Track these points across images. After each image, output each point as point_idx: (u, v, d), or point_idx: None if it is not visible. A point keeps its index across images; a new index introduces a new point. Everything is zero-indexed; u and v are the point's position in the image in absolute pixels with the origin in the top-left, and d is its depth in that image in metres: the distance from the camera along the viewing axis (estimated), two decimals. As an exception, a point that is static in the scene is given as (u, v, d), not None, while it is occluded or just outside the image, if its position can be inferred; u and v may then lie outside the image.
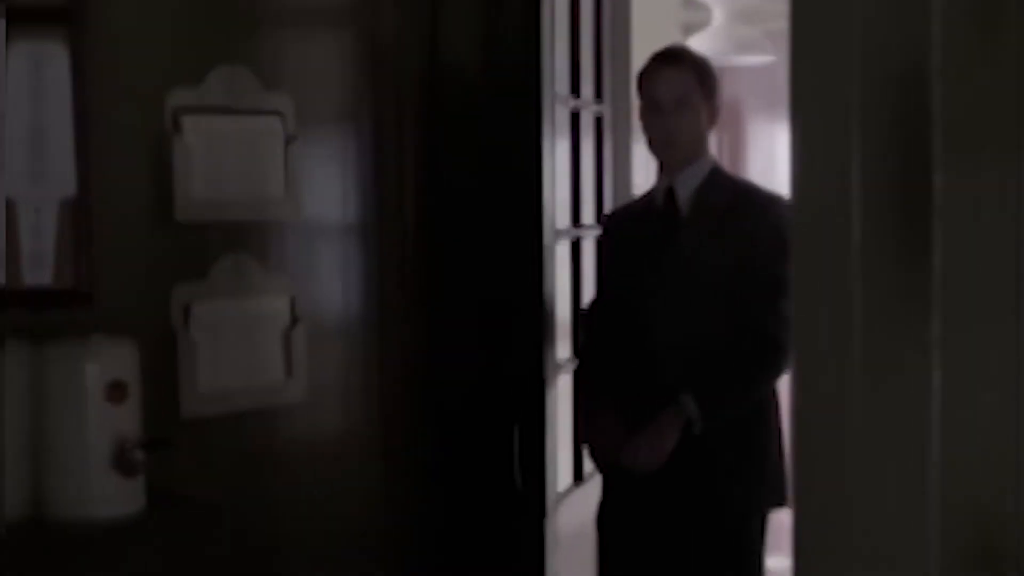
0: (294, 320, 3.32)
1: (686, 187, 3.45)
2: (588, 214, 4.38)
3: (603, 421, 3.47)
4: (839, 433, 0.98)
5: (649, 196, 3.61)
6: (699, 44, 5.26)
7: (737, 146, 6.31)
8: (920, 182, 0.94)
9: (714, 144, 6.47)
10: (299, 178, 3.31)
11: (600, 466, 3.59)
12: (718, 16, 5.35)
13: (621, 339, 3.52)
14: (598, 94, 4.39)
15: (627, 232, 3.59)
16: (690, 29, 5.88)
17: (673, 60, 3.48)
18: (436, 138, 3.66)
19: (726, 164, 6.36)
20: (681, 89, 3.39)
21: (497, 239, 3.72)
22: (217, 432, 3.19)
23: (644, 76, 3.49)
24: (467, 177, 3.70)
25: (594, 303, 3.77)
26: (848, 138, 0.98)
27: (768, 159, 6.12)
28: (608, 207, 4.48)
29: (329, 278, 3.44)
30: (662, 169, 3.54)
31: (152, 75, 3.08)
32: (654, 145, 3.48)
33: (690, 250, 3.39)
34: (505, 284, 3.73)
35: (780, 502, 3.41)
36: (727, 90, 6.55)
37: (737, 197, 3.45)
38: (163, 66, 3.10)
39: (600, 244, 3.86)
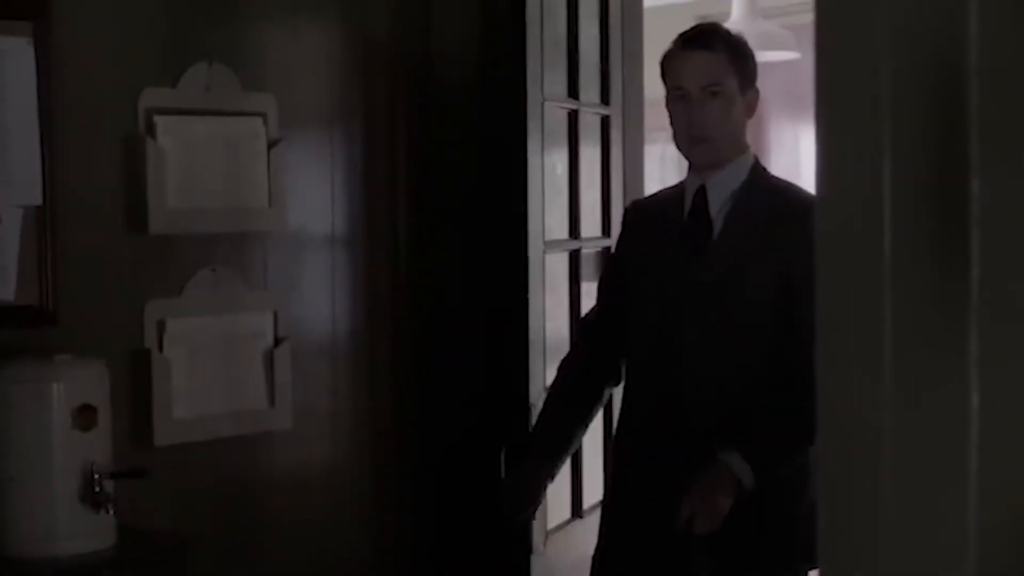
0: (277, 338, 3.33)
1: (720, 192, 3.11)
2: (594, 224, 4.37)
3: (533, 467, 3.18)
4: (870, 457, 0.98)
5: (676, 195, 3.23)
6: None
7: (759, 148, 6.33)
8: (956, 187, 0.94)
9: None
10: (283, 184, 3.32)
11: (506, 519, 3.23)
12: (738, 9, 5.38)
13: (631, 367, 3.23)
14: (604, 96, 4.39)
15: (648, 237, 3.24)
16: (707, 21, 5.90)
17: (703, 40, 3.12)
18: (429, 143, 3.67)
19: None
20: (712, 74, 3.05)
21: (491, 250, 3.73)
22: (193, 461, 3.19)
23: (668, 59, 3.13)
24: (461, 185, 3.71)
25: (596, 314, 3.42)
26: (878, 140, 0.98)
27: (792, 161, 6.14)
28: (616, 214, 4.45)
29: (315, 293, 3.45)
30: (690, 167, 3.19)
31: (123, 73, 3.09)
32: (681, 141, 3.13)
33: (724, 270, 3.06)
34: (495, 298, 3.73)
35: (813, 562, 3.03)
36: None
37: (780, 204, 3.10)
38: (135, 64, 3.11)
39: (619, 240, 3.46)
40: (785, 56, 5.36)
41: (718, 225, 3.09)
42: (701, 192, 3.12)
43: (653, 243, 3.20)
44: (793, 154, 6.15)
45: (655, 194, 3.55)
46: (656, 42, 3.53)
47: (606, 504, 3.35)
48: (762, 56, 5.48)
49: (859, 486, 0.98)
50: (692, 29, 3.21)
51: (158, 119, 3.12)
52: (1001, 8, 0.92)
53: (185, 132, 3.17)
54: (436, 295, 3.67)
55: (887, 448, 0.96)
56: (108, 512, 2.72)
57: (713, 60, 3.05)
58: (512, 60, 3.70)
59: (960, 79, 0.93)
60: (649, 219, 3.28)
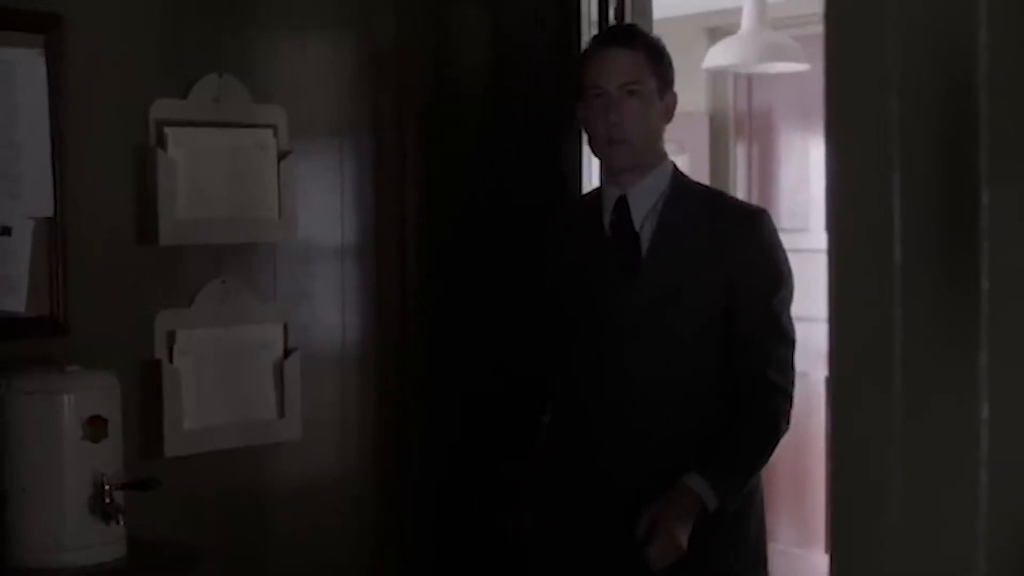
0: (287, 350, 3.33)
1: (642, 204, 2.99)
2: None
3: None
4: (879, 470, 0.98)
5: (594, 205, 3.09)
6: (726, 51, 5.27)
7: (768, 159, 6.32)
8: (966, 199, 0.94)
9: (743, 156, 6.50)
10: (292, 196, 3.32)
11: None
12: (747, 21, 5.37)
13: (564, 386, 3.14)
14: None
15: (568, 249, 3.12)
16: (716, 34, 5.90)
17: (623, 39, 3.02)
18: (437, 154, 3.67)
19: (756, 178, 6.38)
20: (632, 72, 2.94)
21: (504, 261, 3.73)
22: (203, 472, 3.19)
23: (586, 59, 3.02)
24: (470, 195, 3.71)
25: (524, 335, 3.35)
26: (888, 152, 0.98)
27: (801, 173, 6.13)
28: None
29: (325, 304, 3.45)
30: (607, 176, 3.07)
31: (134, 85, 3.10)
32: (598, 143, 2.99)
33: (662, 283, 2.95)
34: (503, 309, 3.73)
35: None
36: (757, 99, 6.57)
37: (713, 212, 2.99)
38: (146, 75, 3.12)
39: (539, 251, 3.28)
40: (794, 67, 5.36)
41: (646, 240, 2.98)
42: (622, 202, 3.01)
43: (576, 257, 3.08)
44: (802, 165, 6.14)
45: (572, 203, 3.45)
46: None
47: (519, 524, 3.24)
48: (772, 67, 5.48)
49: (869, 496, 0.98)
50: (610, 28, 3.15)
51: (168, 130, 3.12)
52: (1010, 21, 0.92)
53: (195, 143, 3.17)
54: (445, 306, 3.67)
55: (897, 458, 0.96)
56: (118, 523, 2.73)
57: (632, 58, 2.96)
58: (523, 70, 3.71)
59: (969, 91, 0.93)
60: (568, 230, 3.17)
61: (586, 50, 3.08)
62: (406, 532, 3.61)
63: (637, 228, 2.98)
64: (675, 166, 3.06)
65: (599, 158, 3.07)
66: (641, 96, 2.94)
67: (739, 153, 6.31)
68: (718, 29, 5.95)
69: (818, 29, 1.09)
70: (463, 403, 3.69)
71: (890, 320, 0.95)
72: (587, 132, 3.03)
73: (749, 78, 6.15)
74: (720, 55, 5.29)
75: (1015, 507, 0.92)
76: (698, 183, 3.18)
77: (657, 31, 4.31)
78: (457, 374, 3.68)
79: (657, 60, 2.98)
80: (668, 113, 3.02)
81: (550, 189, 3.81)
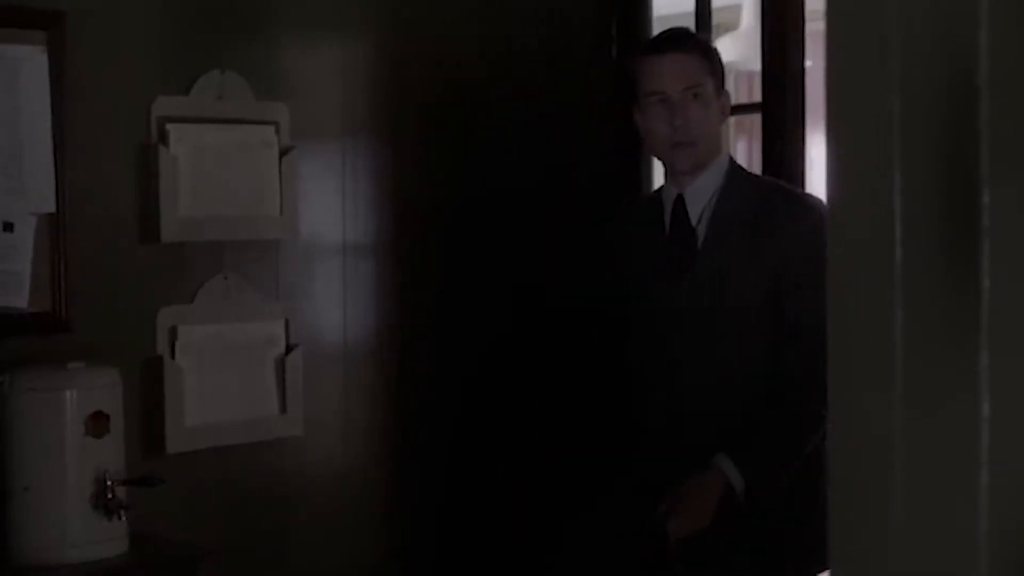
0: (289, 346, 3.33)
1: (698, 200, 3.05)
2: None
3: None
4: (880, 471, 0.98)
5: (656, 204, 3.18)
6: (728, 47, 5.27)
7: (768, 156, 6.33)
8: (967, 199, 0.94)
9: (743, 154, 6.49)
10: (295, 192, 3.32)
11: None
12: (747, 18, 5.37)
13: (629, 380, 3.21)
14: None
15: (632, 249, 3.21)
16: (717, 31, 5.90)
17: (678, 43, 3.06)
18: (442, 151, 3.66)
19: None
20: (693, 76, 2.99)
21: (504, 259, 3.73)
22: (205, 468, 3.19)
23: (643, 65, 3.06)
24: (475, 193, 3.70)
25: (593, 323, 3.42)
26: (889, 152, 0.98)
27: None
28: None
29: (327, 301, 3.45)
30: (670, 177, 3.13)
31: (136, 81, 3.09)
32: (661, 147, 3.06)
33: (712, 275, 3.00)
34: (504, 305, 3.73)
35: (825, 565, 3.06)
36: (758, 97, 6.54)
37: (764, 203, 3.03)
38: (148, 71, 3.12)
39: (605, 250, 3.41)
40: (796, 64, 5.34)
41: (701, 235, 3.04)
42: (679, 201, 3.07)
43: (638, 256, 3.16)
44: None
45: (634, 201, 3.55)
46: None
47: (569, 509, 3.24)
48: (772, 64, 5.47)
49: (869, 497, 0.98)
50: (664, 33, 3.17)
51: (170, 127, 3.12)
52: (1011, 20, 0.92)
53: (197, 140, 3.17)
54: (446, 302, 3.67)
55: (897, 459, 0.96)
56: (120, 519, 2.73)
57: (690, 62, 3.01)
58: (524, 69, 3.70)
59: (971, 91, 0.93)
60: (630, 229, 3.24)
61: (641, 56, 3.11)
62: (408, 528, 3.61)
63: (694, 224, 3.05)
64: (732, 159, 3.13)
65: (662, 161, 3.13)
66: (702, 98, 3.00)
67: (740, 150, 6.30)
68: (719, 26, 5.95)
69: (820, 26, 1.09)
70: (464, 399, 3.69)
71: (890, 320, 0.94)
72: (647, 136, 3.09)
73: (750, 75, 6.14)
74: (721, 52, 5.28)
75: (1016, 507, 0.92)
76: (756, 175, 3.24)
77: (657, 28, 4.32)
78: (458, 370, 3.68)
79: (712, 62, 3.06)
80: (724, 112, 3.09)
81: (551, 187, 3.81)
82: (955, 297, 0.92)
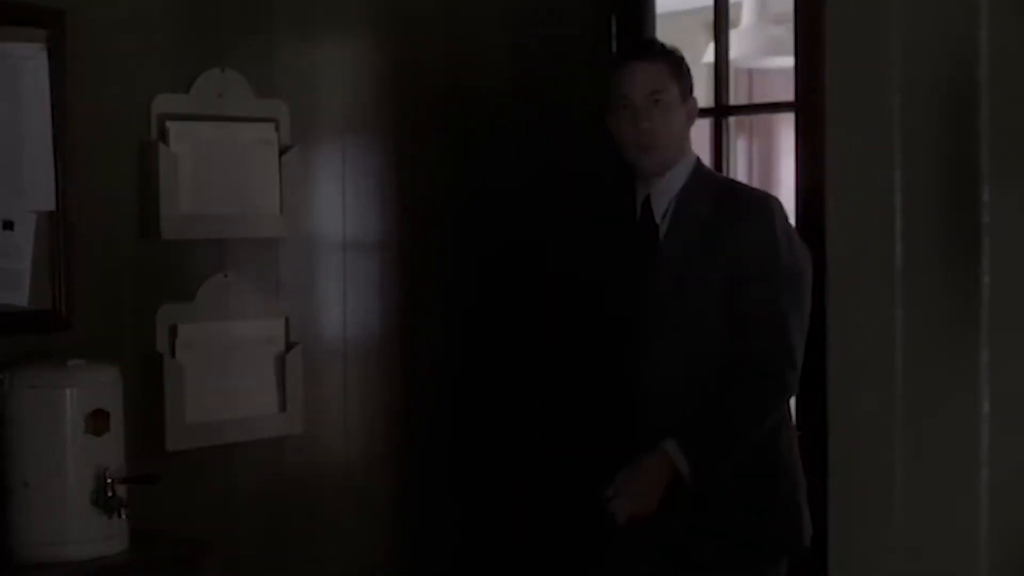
0: (289, 344, 3.33)
1: (663, 197, 3.26)
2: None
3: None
4: (881, 468, 0.98)
5: (629, 203, 3.37)
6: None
7: (769, 155, 6.32)
8: (967, 196, 0.94)
9: (743, 153, 6.49)
10: (295, 190, 3.32)
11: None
12: (748, 16, 5.37)
13: (600, 375, 3.39)
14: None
15: (607, 244, 3.41)
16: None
17: (643, 52, 3.33)
18: (443, 149, 3.66)
19: (758, 174, 6.37)
20: (655, 82, 3.22)
21: (504, 257, 3.73)
22: (205, 466, 3.19)
23: (614, 72, 3.31)
24: (476, 191, 3.71)
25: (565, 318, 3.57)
26: (889, 149, 0.98)
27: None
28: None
29: (327, 298, 3.45)
30: (638, 178, 3.33)
31: (136, 79, 3.09)
32: (628, 149, 3.26)
33: (671, 270, 3.20)
34: (506, 301, 3.74)
35: (798, 544, 3.16)
36: (757, 95, 6.55)
37: (720, 201, 3.22)
38: (148, 69, 3.12)
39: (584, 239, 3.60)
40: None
41: (663, 230, 3.25)
42: (647, 200, 3.29)
43: (609, 252, 3.37)
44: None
45: (614, 199, 3.64)
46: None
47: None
48: (772, 62, 5.47)
49: (870, 493, 0.98)
50: (632, 43, 3.48)
51: (171, 124, 3.12)
52: (1011, 20, 0.92)
53: (197, 138, 3.17)
54: (446, 300, 3.67)
55: (898, 456, 0.96)
56: (120, 517, 2.73)
57: (654, 69, 3.24)
58: (526, 68, 3.70)
59: (970, 89, 0.93)
60: (604, 226, 3.45)
61: (612, 64, 3.38)
62: (408, 526, 3.61)
63: (658, 221, 3.26)
64: (698, 160, 3.34)
65: (630, 162, 3.32)
66: (664, 104, 3.22)
67: (739, 148, 6.30)
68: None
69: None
70: (465, 397, 3.69)
71: (890, 320, 0.94)
72: (617, 138, 3.30)
73: (750, 72, 6.15)
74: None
75: (1015, 507, 0.92)
76: (717, 174, 3.51)
77: (659, 25, 4.35)
78: (459, 368, 3.68)
79: (677, 69, 3.27)
80: (691, 117, 3.31)
81: (551, 186, 3.81)
82: (955, 297, 0.92)
